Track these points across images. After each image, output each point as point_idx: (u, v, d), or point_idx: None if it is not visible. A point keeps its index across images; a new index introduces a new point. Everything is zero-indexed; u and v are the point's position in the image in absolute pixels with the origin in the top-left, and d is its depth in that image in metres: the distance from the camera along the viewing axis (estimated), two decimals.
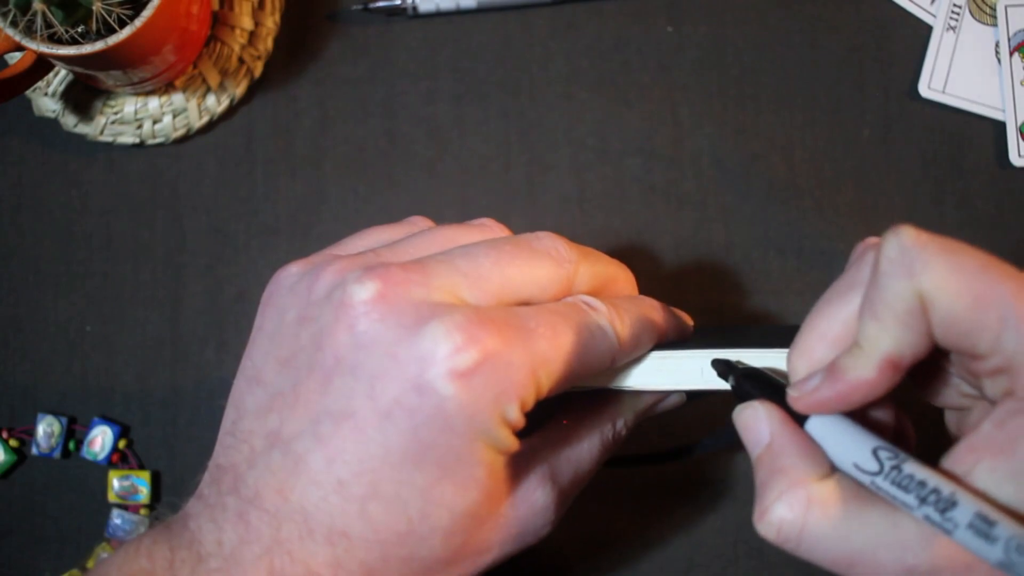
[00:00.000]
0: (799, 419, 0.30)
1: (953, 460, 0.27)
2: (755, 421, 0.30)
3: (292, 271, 0.33)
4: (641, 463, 0.43)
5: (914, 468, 0.27)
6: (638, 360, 0.35)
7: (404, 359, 0.29)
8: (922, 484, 0.26)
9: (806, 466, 0.29)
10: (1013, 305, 0.26)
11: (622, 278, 0.36)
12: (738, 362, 0.33)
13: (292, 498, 0.30)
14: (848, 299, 0.29)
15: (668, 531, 0.47)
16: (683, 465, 0.48)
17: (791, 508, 0.28)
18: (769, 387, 0.31)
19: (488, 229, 0.35)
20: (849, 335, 0.29)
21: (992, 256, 0.27)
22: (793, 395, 0.29)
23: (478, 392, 0.29)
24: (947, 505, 0.26)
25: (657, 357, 0.35)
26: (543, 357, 0.30)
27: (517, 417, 0.30)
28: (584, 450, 0.36)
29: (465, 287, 0.31)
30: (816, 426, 0.29)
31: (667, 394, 0.38)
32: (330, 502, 0.30)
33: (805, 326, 0.30)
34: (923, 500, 0.26)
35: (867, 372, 0.28)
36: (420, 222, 0.37)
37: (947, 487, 0.26)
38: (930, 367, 0.30)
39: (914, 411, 0.32)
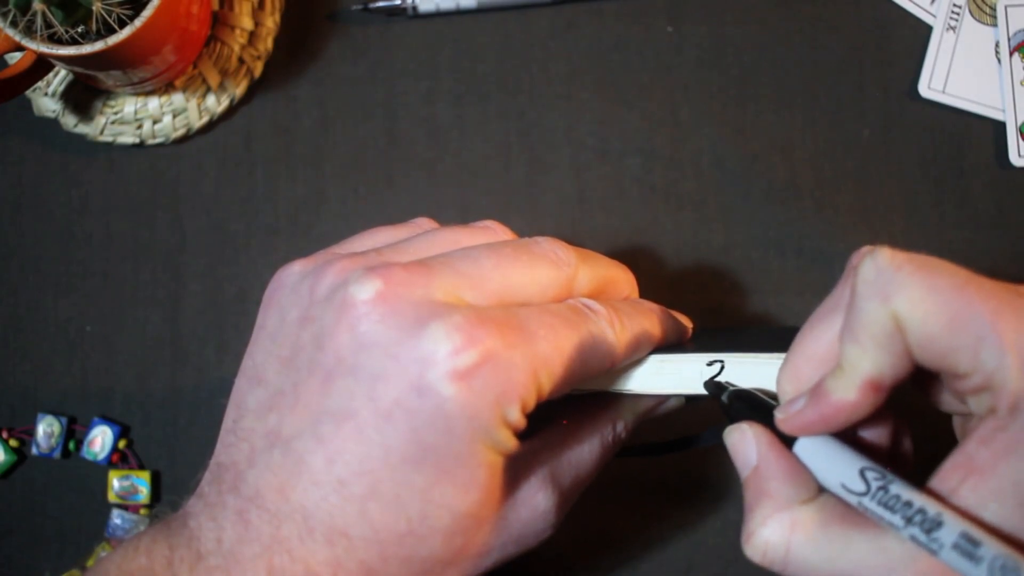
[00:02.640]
0: (788, 440, 0.30)
1: (940, 479, 0.27)
2: (743, 444, 0.30)
3: (294, 270, 0.33)
4: (643, 454, 0.43)
5: (900, 488, 0.27)
6: (638, 363, 0.35)
7: (405, 360, 0.29)
8: (908, 504, 0.26)
9: (791, 490, 0.29)
10: (990, 324, 0.26)
11: (623, 280, 0.36)
12: (728, 383, 0.33)
13: (292, 497, 0.30)
14: (832, 320, 0.29)
15: (668, 531, 0.47)
16: (683, 465, 0.48)
17: (775, 532, 0.29)
18: (759, 408, 0.31)
19: (491, 231, 0.35)
20: (834, 355, 0.29)
21: (973, 274, 0.27)
22: (780, 417, 0.30)
23: (478, 393, 0.29)
24: (932, 525, 0.26)
25: (656, 361, 0.35)
26: (544, 358, 0.30)
27: (518, 418, 0.30)
28: (585, 453, 0.36)
29: (466, 288, 0.31)
30: (804, 448, 0.29)
31: (667, 397, 0.38)
32: (330, 502, 0.30)
33: (793, 347, 0.31)
34: (909, 520, 0.26)
35: (849, 395, 0.28)
36: (424, 223, 0.37)
37: (933, 507, 0.26)
38: (933, 375, 0.30)
39: (918, 420, 0.32)
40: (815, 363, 0.30)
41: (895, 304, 0.26)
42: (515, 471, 0.33)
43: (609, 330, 0.33)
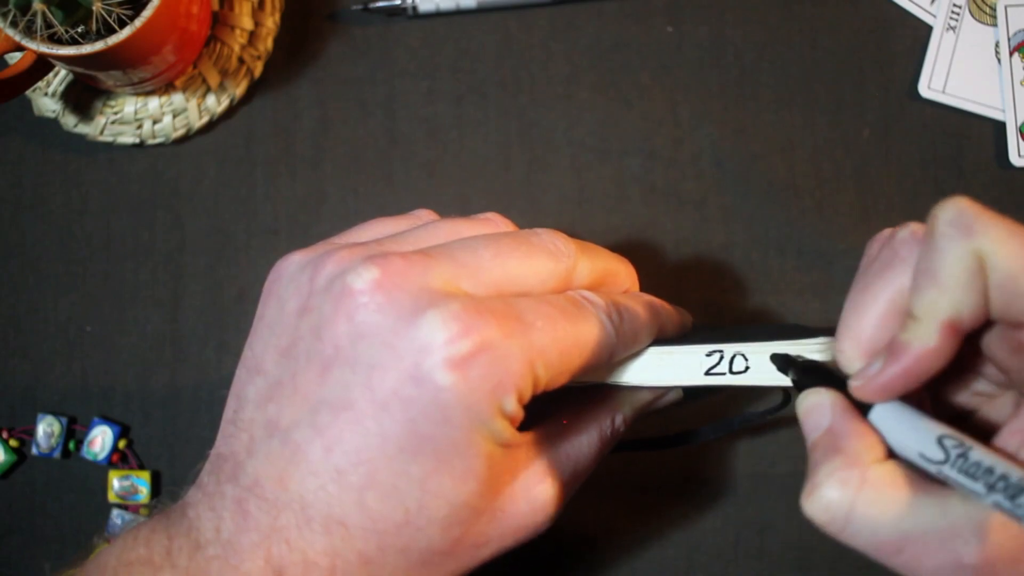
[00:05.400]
0: (863, 410, 0.29)
1: (998, 444, 0.27)
2: (819, 406, 0.30)
3: (294, 260, 0.33)
4: (642, 448, 0.43)
5: (981, 455, 0.26)
6: (637, 355, 0.35)
7: (401, 349, 0.29)
8: (990, 471, 0.26)
9: (864, 448, 0.28)
10: None
11: (623, 272, 0.36)
12: (799, 356, 0.33)
13: (290, 487, 0.30)
14: (888, 278, 0.29)
15: (667, 530, 0.47)
16: (683, 463, 0.48)
17: (843, 487, 0.28)
18: (831, 378, 0.31)
19: (492, 223, 0.35)
20: (894, 313, 0.29)
21: None
22: (856, 384, 0.29)
23: (475, 382, 0.29)
24: (1016, 491, 0.25)
25: (656, 353, 0.35)
26: (540, 349, 0.30)
27: (515, 409, 0.30)
28: (583, 446, 0.36)
29: (464, 277, 0.31)
30: (879, 416, 0.29)
31: (666, 390, 0.38)
32: (328, 491, 0.30)
33: (847, 311, 0.30)
34: (991, 487, 0.26)
35: (930, 340, 0.28)
36: (424, 215, 0.37)
37: (1016, 472, 0.26)
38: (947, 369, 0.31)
39: None
40: (875, 323, 0.29)
41: (979, 242, 0.26)
42: (513, 463, 0.33)
43: (608, 322, 0.33)
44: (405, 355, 0.29)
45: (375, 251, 0.32)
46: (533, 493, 0.33)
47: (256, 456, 0.31)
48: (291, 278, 0.33)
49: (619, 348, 0.33)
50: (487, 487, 0.31)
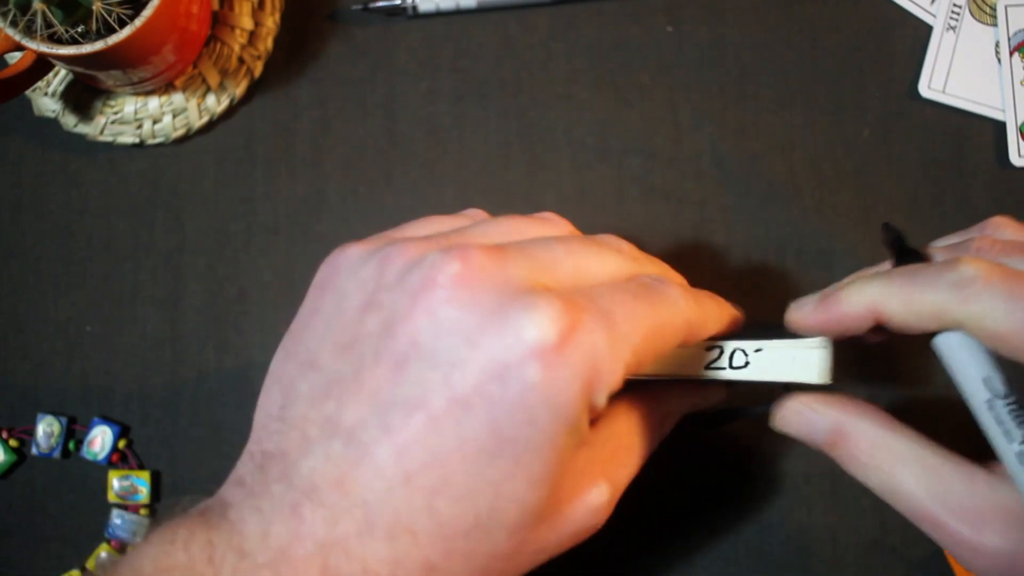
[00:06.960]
0: None
1: None
2: None
3: (353, 252, 0.32)
4: (694, 427, 0.43)
5: None
6: (701, 349, 0.35)
7: (486, 346, 0.28)
8: None
9: None
10: None
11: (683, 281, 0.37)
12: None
13: (352, 491, 0.28)
14: None
15: (667, 530, 0.47)
16: (682, 464, 0.48)
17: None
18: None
19: (551, 222, 0.34)
20: None
21: None
22: None
23: (566, 380, 0.28)
24: None
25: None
26: (627, 338, 0.29)
27: (604, 404, 0.29)
28: (636, 446, 0.35)
29: (541, 272, 0.30)
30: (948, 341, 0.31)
31: (711, 391, 0.38)
32: (395, 495, 0.28)
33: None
34: None
35: None
36: (478, 213, 0.36)
37: None
38: None
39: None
40: None
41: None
42: (582, 464, 0.32)
43: (682, 302, 0.32)
44: (491, 352, 0.28)
45: (451, 243, 0.30)
46: (591, 498, 0.32)
47: (311, 456, 0.29)
48: (351, 272, 0.31)
49: (693, 335, 0.33)
50: (555, 491, 0.30)
